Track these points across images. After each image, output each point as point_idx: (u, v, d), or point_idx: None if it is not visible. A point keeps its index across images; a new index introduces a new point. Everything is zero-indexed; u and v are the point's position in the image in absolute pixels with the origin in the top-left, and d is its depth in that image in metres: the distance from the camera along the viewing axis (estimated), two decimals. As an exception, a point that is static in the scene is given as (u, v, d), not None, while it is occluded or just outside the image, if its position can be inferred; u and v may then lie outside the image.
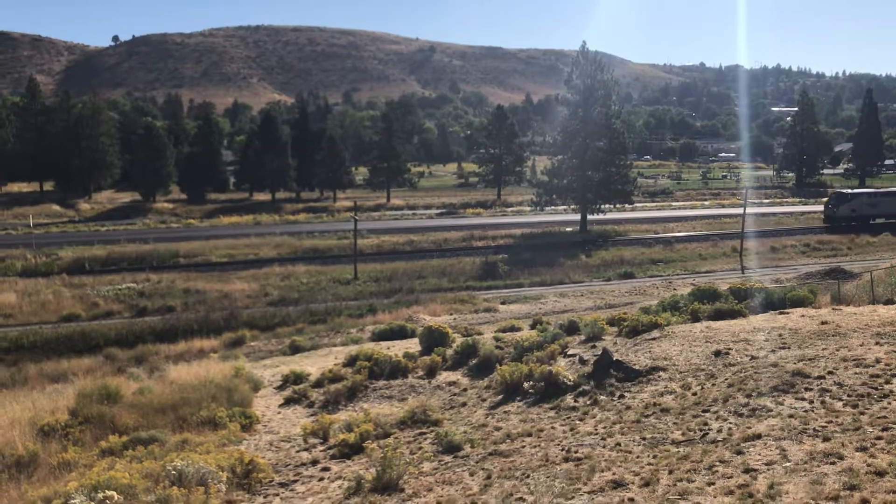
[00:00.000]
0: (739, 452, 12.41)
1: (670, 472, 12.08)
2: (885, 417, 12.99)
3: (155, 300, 50.80)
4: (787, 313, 22.24)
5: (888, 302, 23.38)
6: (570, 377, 18.79)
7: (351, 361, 24.92)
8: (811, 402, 14.34)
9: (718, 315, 23.01)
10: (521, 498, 12.15)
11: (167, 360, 33.78)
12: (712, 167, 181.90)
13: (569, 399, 17.70)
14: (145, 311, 48.81)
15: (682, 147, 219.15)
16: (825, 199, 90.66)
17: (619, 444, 14.00)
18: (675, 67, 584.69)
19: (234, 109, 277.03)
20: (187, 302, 50.19)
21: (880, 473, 10.79)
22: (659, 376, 17.62)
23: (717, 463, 12.12)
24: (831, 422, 13.20)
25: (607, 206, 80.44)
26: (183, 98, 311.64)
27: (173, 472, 13.91)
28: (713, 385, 16.32)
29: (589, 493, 11.89)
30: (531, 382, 19.07)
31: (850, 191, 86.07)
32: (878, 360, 15.98)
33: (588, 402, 17.15)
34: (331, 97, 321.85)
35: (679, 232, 75.90)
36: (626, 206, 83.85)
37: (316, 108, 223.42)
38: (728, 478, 11.47)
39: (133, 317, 47.81)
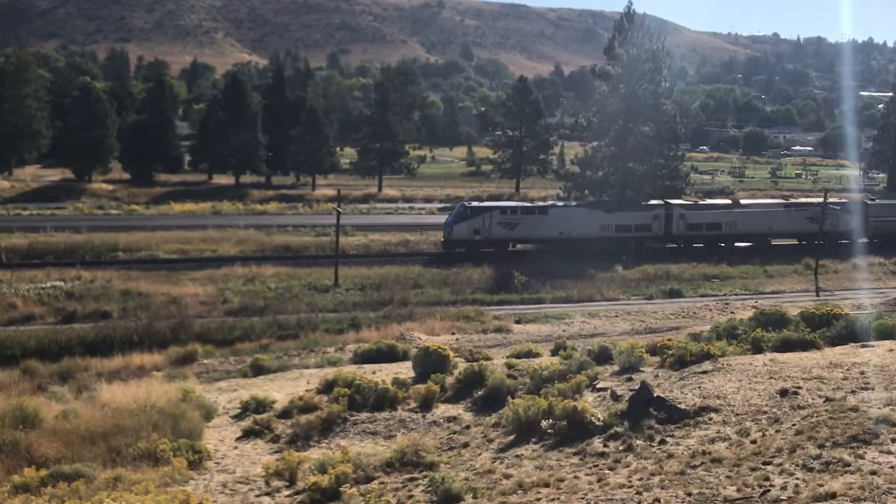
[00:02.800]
0: (808, 516, 12.40)
1: (721, 538, 12.07)
2: None
3: (86, 303, 50.78)
4: (872, 346, 22.23)
5: None
6: (600, 416, 18.82)
7: (327, 387, 24.95)
8: (899, 456, 14.33)
9: (786, 346, 23.03)
10: (533, 563, 12.15)
11: (99, 377, 33.71)
12: (784, 163, 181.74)
13: (597, 443, 17.71)
14: (74, 316, 48.79)
15: (748, 137, 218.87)
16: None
17: (657, 501, 13.98)
18: (742, 38, 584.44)
19: (193, 71, 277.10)
20: (126, 307, 50.17)
21: (983, 548, 10.77)
22: (710, 419, 17.62)
23: (780, 528, 12.11)
24: (923, 482, 13.18)
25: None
26: (130, 54, 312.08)
27: (102, 515, 13.93)
28: (777, 432, 16.31)
29: (618, 559, 11.88)
30: (550, 421, 19.11)
31: (476, 203, 74.68)
32: (983, 408, 15.96)
33: (621, 448, 17.16)
34: (313, 59, 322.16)
35: (740, 242, 75.69)
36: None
37: (294, 72, 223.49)
38: (792, 547, 11.46)
39: (59, 323, 47.78)
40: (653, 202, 76.59)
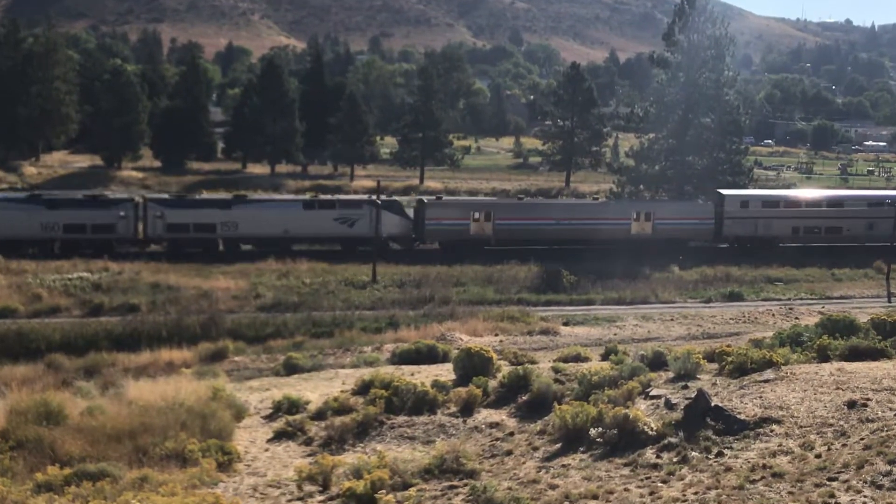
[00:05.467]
0: (876, 537, 12.27)
1: (781, 558, 11.98)
2: None
3: (114, 296, 51.45)
4: (949, 357, 21.92)
5: None
6: (653, 425, 18.74)
7: (363, 389, 25.09)
8: (977, 475, 14.12)
9: (854, 354, 22.81)
10: (579, 579, 12.13)
11: (126, 373, 34.18)
12: (855, 159, 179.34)
13: (649, 454, 17.64)
14: (101, 309, 49.46)
15: (817, 130, 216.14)
16: None
17: (713, 517, 13.91)
18: (812, 24, 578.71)
19: (229, 54, 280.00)
20: (155, 300, 50.75)
21: None
22: (772, 430, 17.49)
23: (846, 549, 11.99)
24: None
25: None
26: (163, 36, 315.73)
27: (128, 516, 14.12)
28: (844, 446, 16.14)
29: (671, 578, 11.83)
30: (600, 429, 19.06)
31: None
32: None
33: (675, 459, 17.07)
34: (354, 43, 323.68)
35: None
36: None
37: (334, 56, 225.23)
38: (859, 569, 11.34)
39: (85, 316, 48.46)
40: (121, 196, 70.04)
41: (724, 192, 73.58)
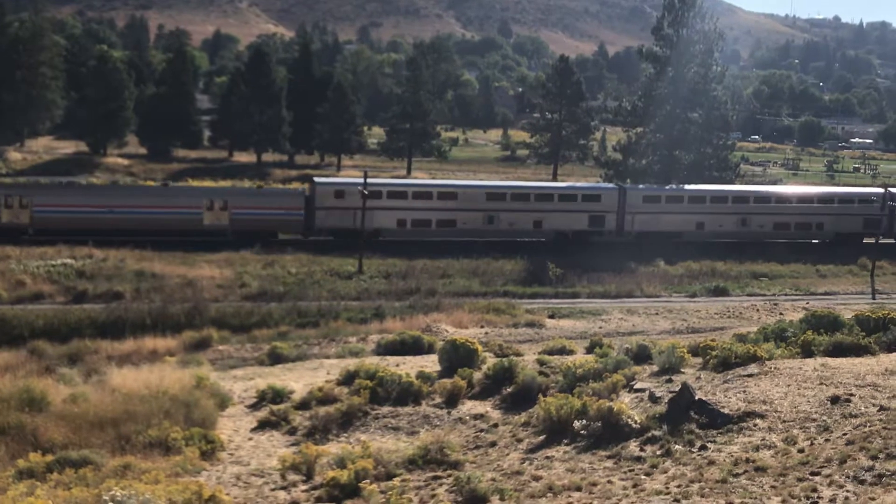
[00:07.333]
0: (857, 531, 12.35)
1: (763, 551, 12.04)
2: None
3: (98, 283, 51.28)
4: (932, 354, 22.04)
5: None
6: (637, 418, 18.81)
7: (348, 379, 25.10)
8: (958, 471, 14.22)
9: (838, 350, 22.94)
10: (562, 570, 12.17)
11: (109, 361, 34.12)
12: (841, 156, 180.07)
13: (633, 446, 17.70)
14: (85, 295, 49.30)
15: (804, 127, 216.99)
16: None
17: (696, 510, 13.96)
18: (801, 21, 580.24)
19: (216, 41, 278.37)
20: (139, 288, 50.62)
21: None
22: (755, 424, 17.56)
23: (827, 543, 12.06)
24: (983, 500, 13.07)
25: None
26: (150, 22, 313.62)
27: (110, 503, 14.09)
28: (827, 441, 16.22)
29: (653, 570, 11.88)
30: (584, 422, 19.14)
31: None
32: None
33: (658, 452, 17.14)
34: (342, 33, 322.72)
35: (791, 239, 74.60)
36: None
37: (322, 45, 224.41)
38: (840, 563, 11.41)
39: (69, 302, 48.31)
40: None
41: (317, 180, 70.63)
